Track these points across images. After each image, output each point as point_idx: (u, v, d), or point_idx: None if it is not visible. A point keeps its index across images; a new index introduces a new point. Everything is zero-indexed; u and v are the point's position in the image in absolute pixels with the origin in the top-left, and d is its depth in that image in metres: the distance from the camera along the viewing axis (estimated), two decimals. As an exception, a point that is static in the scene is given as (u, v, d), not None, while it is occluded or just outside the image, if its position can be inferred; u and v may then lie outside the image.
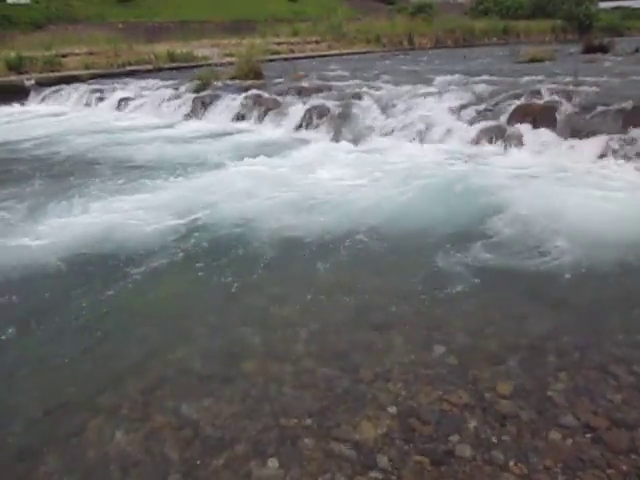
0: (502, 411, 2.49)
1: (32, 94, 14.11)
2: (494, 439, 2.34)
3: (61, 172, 6.96)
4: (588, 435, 2.33)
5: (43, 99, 13.88)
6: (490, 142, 7.04)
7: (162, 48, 18.77)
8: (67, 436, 2.46)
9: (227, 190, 5.70)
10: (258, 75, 12.27)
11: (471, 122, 7.43)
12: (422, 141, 7.44)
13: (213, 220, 4.92)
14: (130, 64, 16.70)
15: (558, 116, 6.91)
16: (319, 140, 8.11)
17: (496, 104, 7.63)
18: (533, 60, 13.81)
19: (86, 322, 3.38)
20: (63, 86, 14.05)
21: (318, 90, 9.92)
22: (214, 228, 4.75)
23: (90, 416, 2.58)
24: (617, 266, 3.83)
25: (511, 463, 2.21)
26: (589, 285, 3.62)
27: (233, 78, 12.09)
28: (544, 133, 6.79)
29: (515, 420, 2.44)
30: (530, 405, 2.52)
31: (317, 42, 24.10)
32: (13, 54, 15.52)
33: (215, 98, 10.68)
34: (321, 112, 8.74)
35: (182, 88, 11.84)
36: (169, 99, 11.47)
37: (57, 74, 15.16)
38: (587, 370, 2.74)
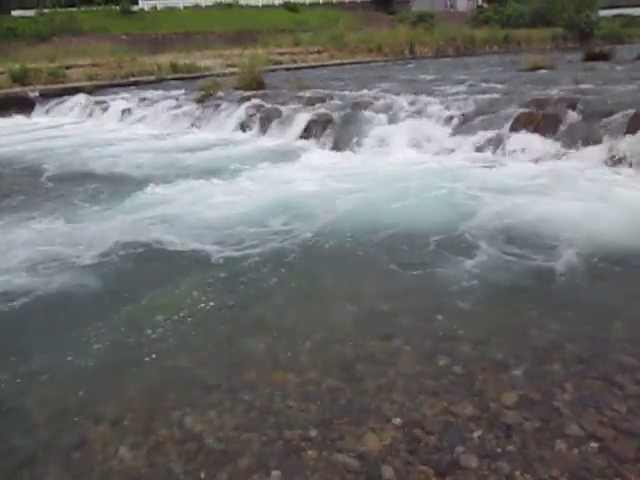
0: (507, 421, 2.48)
1: (37, 106, 14.21)
2: (499, 449, 2.32)
3: (57, 181, 7.02)
4: (594, 445, 2.31)
5: (47, 111, 13.97)
6: (492, 151, 7.04)
7: (165, 59, 18.91)
8: (70, 448, 2.46)
9: (234, 196, 5.75)
10: (261, 85, 12.33)
11: (473, 131, 7.44)
12: (423, 149, 7.45)
13: (215, 226, 4.94)
14: (133, 75, 16.82)
15: (560, 124, 6.92)
16: (321, 149, 8.14)
17: (497, 112, 7.63)
18: (534, 68, 13.79)
19: (90, 331, 3.38)
20: (67, 97, 14.16)
21: (320, 99, 9.95)
22: (215, 235, 4.76)
23: (93, 428, 2.57)
24: (622, 274, 3.82)
25: (517, 473, 2.20)
26: (594, 294, 3.61)
27: (236, 88, 12.14)
28: (546, 141, 6.79)
29: (520, 430, 2.42)
30: (535, 415, 2.50)
31: (319, 52, 24.19)
32: (18, 66, 15.64)
33: (218, 108, 10.74)
34: (324, 121, 8.77)
35: (185, 99, 11.91)
36: (172, 109, 11.54)
37: (61, 85, 15.28)
38: (592, 380, 2.72)
